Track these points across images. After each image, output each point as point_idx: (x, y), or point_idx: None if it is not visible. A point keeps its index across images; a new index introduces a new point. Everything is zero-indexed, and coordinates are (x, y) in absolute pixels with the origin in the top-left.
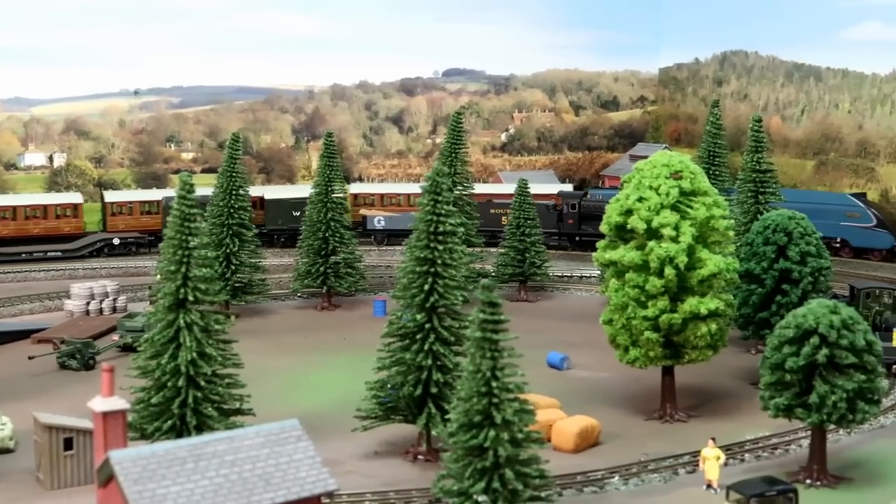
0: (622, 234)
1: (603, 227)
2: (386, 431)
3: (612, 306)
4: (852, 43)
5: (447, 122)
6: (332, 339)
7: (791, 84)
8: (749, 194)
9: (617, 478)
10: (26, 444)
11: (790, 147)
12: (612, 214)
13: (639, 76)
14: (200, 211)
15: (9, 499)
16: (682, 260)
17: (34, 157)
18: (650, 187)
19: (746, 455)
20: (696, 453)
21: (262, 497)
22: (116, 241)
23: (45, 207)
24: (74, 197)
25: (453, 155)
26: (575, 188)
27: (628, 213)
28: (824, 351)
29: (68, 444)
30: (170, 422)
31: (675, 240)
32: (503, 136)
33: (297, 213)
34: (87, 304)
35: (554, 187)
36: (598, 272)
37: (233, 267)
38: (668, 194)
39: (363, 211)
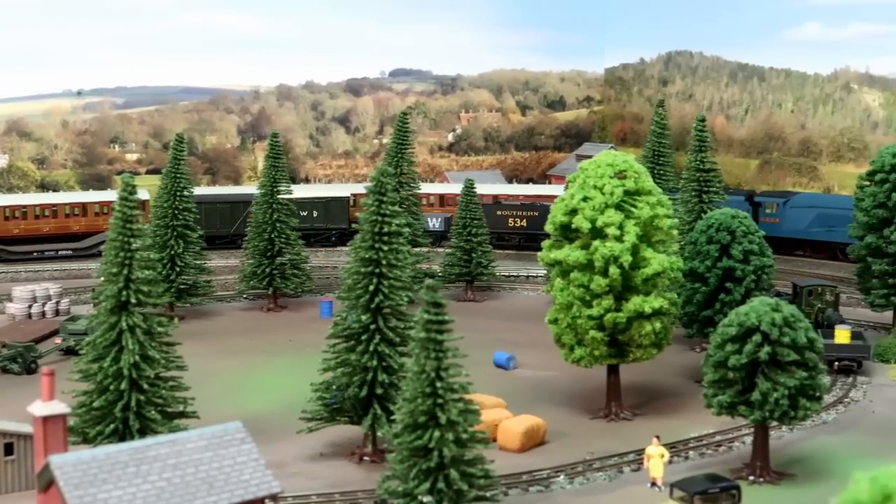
0: (567, 233)
1: (548, 227)
2: (331, 433)
3: (557, 306)
4: (794, 43)
5: (394, 123)
6: (279, 340)
7: (735, 84)
8: (693, 193)
9: (562, 477)
10: None
11: (734, 146)
12: (556, 214)
13: (585, 76)
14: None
15: None
16: (627, 259)
17: None
18: (595, 187)
19: (691, 452)
20: (641, 451)
21: (206, 500)
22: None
23: (84, 206)
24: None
25: (399, 155)
26: None
27: (573, 212)
28: (766, 348)
29: (8, 450)
30: (112, 425)
31: (619, 239)
32: (450, 137)
33: (305, 213)
34: (30, 307)
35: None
36: (545, 272)
37: (177, 269)
38: (612, 194)
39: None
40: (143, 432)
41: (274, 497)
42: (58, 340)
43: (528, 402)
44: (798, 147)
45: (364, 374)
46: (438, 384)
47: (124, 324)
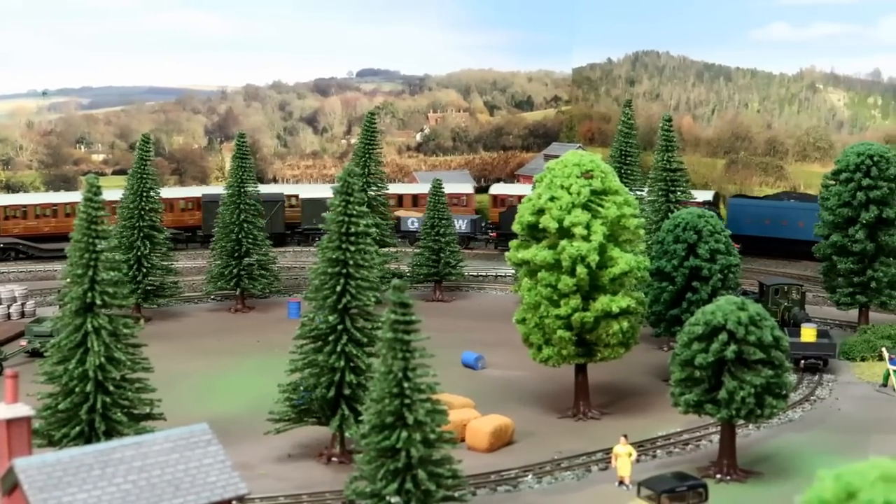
0: (534, 233)
1: (515, 227)
2: (299, 434)
3: (524, 305)
4: (760, 43)
5: (362, 123)
6: (246, 341)
7: (702, 84)
8: (660, 193)
9: (530, 476)
10: None
11: (701, 146)
12: (524, 214)
13: (552, 76)
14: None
15: None
16: (594, 259)
17: None
18: (562, 186)
19: (658, 451)
20: (609, 450)
21: (171, 503)
22: None
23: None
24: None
25: (367, 155)
26: None
27: (540, 212)
28: (732, 347)
29: None
30: (78, 428)
31: (586, 239)
32: (418, 137)
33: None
34: None
35: None
36: (513, 271)
37: (144, 270)
38: (579, 193)
39: (398, 212)
40: (109, 434)
41: (241, 499)
42: (23, 342)
43: (496, 402)
44: (764, 147)
45: (332, 374)
46: (406, 384)
47: (90, 325)
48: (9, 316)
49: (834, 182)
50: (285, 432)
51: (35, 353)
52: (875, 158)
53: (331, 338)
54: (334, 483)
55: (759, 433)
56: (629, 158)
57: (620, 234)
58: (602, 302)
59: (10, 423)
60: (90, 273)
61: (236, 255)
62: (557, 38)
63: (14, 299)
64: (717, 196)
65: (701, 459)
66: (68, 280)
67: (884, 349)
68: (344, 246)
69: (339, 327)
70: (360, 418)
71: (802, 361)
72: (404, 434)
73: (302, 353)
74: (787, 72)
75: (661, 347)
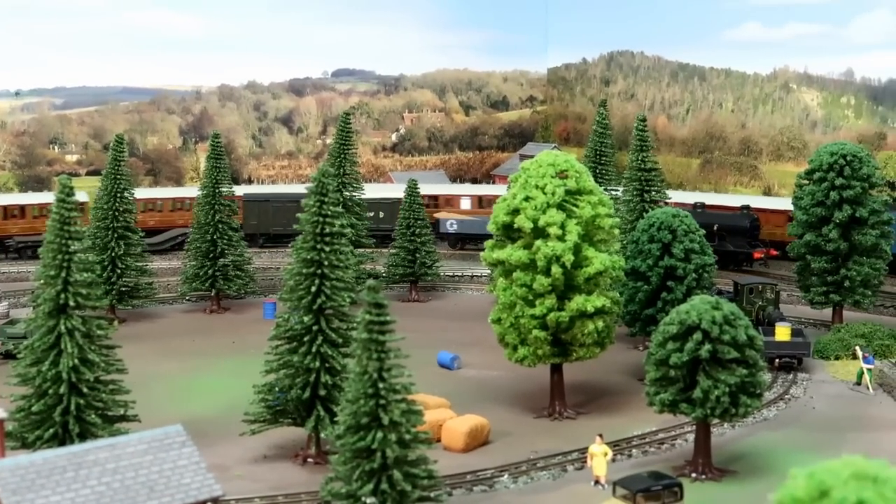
0: (509, 233)
1: (490, 227)
2: (274, 435)
3: (500, 305)
4: (734, 44)
5: (337, 123)
6: (222, 342)
7: (676, 84)
8: (634, 193)
9: (506, 476)
10: None
11: (676, 146)
12: (498, 214)
13: (528, 76)
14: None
15: None
16: (569, 258)
17: None
18: (536, 186)
19: (633, 450)
20: (585, 450)
21: None
22: None
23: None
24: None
25: (342, 156)
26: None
27: (515, 212)
28: (707, 346)
29: None
30: (52, 430)
31: (561, 238)
32: (393, 137)
33: (376, 214)
34: None
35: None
36: (488, 271)
37: (118, 271)
38: (554, 193)
39: (437, 214)
40: (84, 436)
41: (216, 500)
42: None
43: (472, 402)
44: (739, 146)
45: (307, 375)
46: (381, 385)
47: (63, 327)
48: None
49: (807, 181)
50: (261, 433)
51: (8, 355)
52: (848, 158)
53: (306, 338)
54: (310, 484)
55: (733, 432)
56: (604, 158)
57: (595, 234)
58: (577, 302)
59: None
60: (63, 274)
61: (211, 255)
62: (532, 38)
63: None
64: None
65: (676, 458)
66: (41, 281)
67: (857, 348)
68: (319, 246)
69: (314, 328)
70: (336, 419)
71: (777, 360)
72: (379, 435)
73: (277, 354)
74: (760, 72)
75: (636, 347)
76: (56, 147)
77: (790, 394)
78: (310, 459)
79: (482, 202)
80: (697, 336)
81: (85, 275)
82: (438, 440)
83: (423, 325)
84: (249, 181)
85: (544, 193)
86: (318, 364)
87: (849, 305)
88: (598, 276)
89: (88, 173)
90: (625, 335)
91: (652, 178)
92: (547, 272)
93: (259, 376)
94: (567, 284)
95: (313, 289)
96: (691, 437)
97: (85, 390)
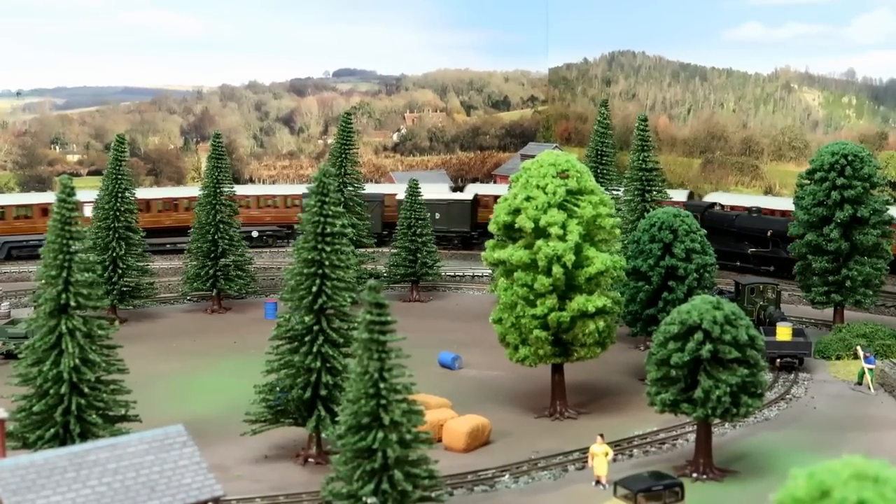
0: (511, 233)
1: (491, 227)
2: (275, 435)
3: (501, 305)
4: (735, 43)
5: (338, 123)
6: (222, 342)
7: (677, 84)
8: (635, 193)
9: (507, 476)
10: None
11: (677, 146)
12: (499, 214)
13: (529, 76)
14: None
15: None
16: (570, 258)
17: None
18: (537, 186)
19: (634, 450)
20: (586, 450)
21: None
22: (255, 234)
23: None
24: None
25: (343, 156)
26: (690, 196)
27: (516, 212)
28: (708, 346)
29: None
30: (53, 430)
31: (562, 238)
32: (395, 137)
33: (436, 216)
34: None
35: (682, 194)
36: (489, 271)
37: (119, 271)
38: (555, 193)
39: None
40: (84, 436)
41: (216, 500)
42: None
43: (473, 402)
44: (740, 146)
45: (308, 375)
46: (382, 385)
47: (64, 327)
48: None
49: (809, 181)
50: (261, 433)
51: (9, 355)
52: (849, 158)
53: (307, 338)
54: (311, 484)
55: (734, 432)
56: (605, 158)
57: (596, 234)
58: (578, 301)
59: None
60: (64, 274)
61: (212, 255)
62: (534, 38)
63: None
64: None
65: (677, 458)
66: (42, 281)
67: (859, 347)
68: (320, 246)
69: (315, 328)
70: (337, 419)
71: (778, 360)
72: (380, 435)
73: (278, 354)
74: (762, 72)
75: (637, 347)
76: (57, 147)
77: (791, 394)
78: (311, 459)
79: None
80: (698, 336)
81: (86, 275)
82: (439, 440)
83: (424, 325)
84: (250, 181)
85: (545, 193)
86: (319, 364)
87: (850, 305)
88: (600, 276)
89: (90, 173)
90: (626, 335)
91: (653, 177)
92: (548, 272)
93: (260, 376)
94: (568, 284)
95: (314, 289)
96: (692, 436)
97: (86, 390)
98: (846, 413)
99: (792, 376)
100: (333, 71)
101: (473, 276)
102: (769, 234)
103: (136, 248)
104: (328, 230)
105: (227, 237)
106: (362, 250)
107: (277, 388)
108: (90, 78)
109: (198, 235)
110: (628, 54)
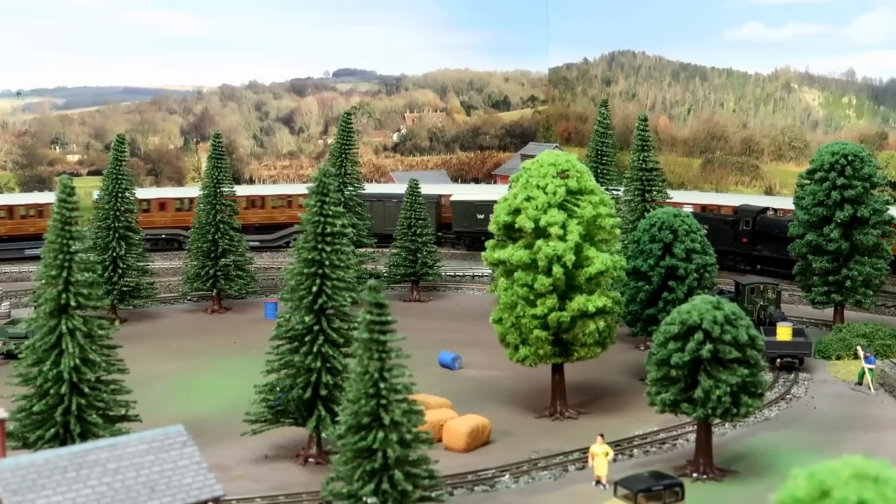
0: (511, 233)
1: (491, 227)
2: (276, 435)
3: (501, 305)
4: (735, 43)
5: (338, 123)
6: (222, 342)
7: (677, 84)
8: (636, 192)
9: (507, 476)
10: None
11: (677, 146)
12: (500, 214)
13: (529, 76)
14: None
15: None
16: (570, 258)
17: None
18: (537, 186)
19: (635, 450)
20: (586, 450)
21: None
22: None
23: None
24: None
25: (343, 156)
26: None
27: (516, 212)
28: (708, 346)
29: None
30: (53, 430)
31: (562, 238)
32: (395, 137)
33: (482, 216)
34: None
35: (732, 198)
36: (489, 271)
37: (119, 271)
38: (555, 193)
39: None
40: (85, 436)
41: (217, 500)
42: None
43: (473, 402)
44: (740, 146)
45: (308, 375)
46: (382, 385)
47: (64, 327)
48: None
49: (809, 181)
50: (262, 433)
51: (9, 355)
52: (849, 157)
53: (307, 338)
54: (311, 484)
55: (734, 432)
56: (605, 158)
57: (596, 234)
58: (578, 301)
59: None
60: (64, 274)
61: (212, 255)
62: (534, 38)
63: None
64: None
65: (677, 458)
66: (42, 281)
67: (859, 347)
68: (320, 246)
69: (316, 328)
70: (337, 419)
71: (778, 360)
72: (380, 434)
73: (278, 354)
74: (762, 71)
75: (637, 347)
76: (57, 147)
77: (791, 394)
78: (311, 459)
79: None
80: (699, 336)
81: (86, 275)
82: (439, 440)
83: (424, 324)
84: (250, 181)
85: (545, 193)
86: (319, 364)
87: (850, 305)
88: (600, 276)
89: (90, 173)
90: (626, 335)
91: (653, 177)
92: (548, 272)
93: (260, 376)
94: (568, 284)
95: (314, 289)
96: (692, 436)
97: (86, 390)
98: (846, 413)
99: (792, 376)
100: (333, 71)
101: (473, 276)
102: None
103: (135, 247)
104: (328, 230)
105: (227, 237)
106: (362, 250)
107: (277, 388)
108: (90, 78)
109: (198, 235)
110: (628, 54)
